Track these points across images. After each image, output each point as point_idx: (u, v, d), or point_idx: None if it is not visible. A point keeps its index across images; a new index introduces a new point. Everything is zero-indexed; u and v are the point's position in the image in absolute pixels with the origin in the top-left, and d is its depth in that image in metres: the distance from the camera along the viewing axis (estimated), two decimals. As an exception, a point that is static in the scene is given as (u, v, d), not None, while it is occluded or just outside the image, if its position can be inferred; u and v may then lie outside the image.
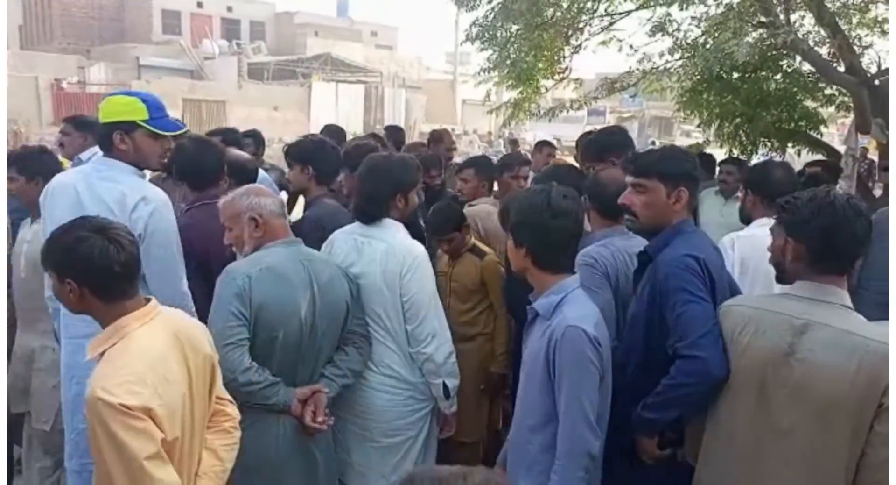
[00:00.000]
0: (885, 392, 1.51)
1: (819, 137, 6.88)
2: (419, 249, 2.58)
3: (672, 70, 6.30)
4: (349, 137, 6.32)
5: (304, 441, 2.31)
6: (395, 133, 6.30)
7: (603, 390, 1.88)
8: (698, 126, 7.48)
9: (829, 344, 1.58)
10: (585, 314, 1.88)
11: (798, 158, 7.34)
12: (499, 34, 6.53)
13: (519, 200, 2.04)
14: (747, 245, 2.64)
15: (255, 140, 5.29)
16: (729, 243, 2.71)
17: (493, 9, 6.45)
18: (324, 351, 2.39)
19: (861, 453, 1.55)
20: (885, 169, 6.13)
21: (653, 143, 21.43)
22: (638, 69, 6.30)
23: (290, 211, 4.38)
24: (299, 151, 3.28)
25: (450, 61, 37.46)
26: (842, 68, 6.10)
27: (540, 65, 7.21)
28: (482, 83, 7.99)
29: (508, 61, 6.85)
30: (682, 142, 21.15)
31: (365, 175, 2.60)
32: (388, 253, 2.48)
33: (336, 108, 25.52)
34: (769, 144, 6.70)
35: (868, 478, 1.55)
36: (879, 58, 6.40)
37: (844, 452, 1.55)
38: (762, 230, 2.50)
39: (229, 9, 35.14)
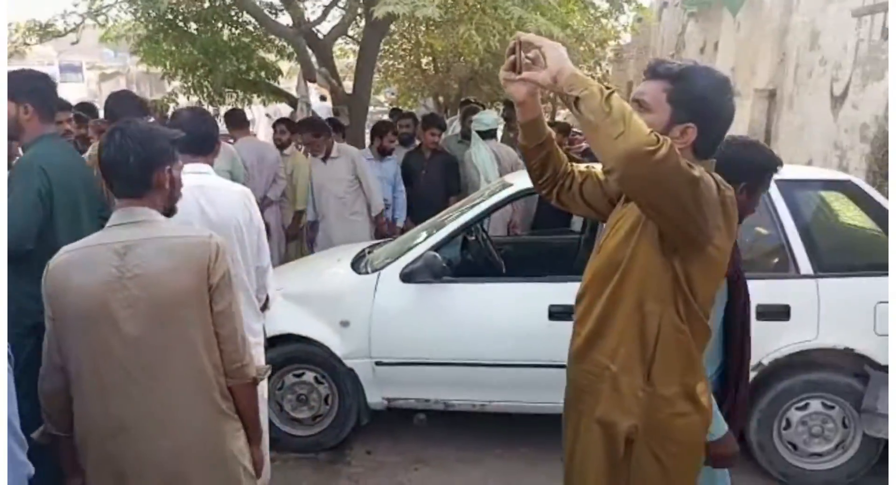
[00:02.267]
0: (210, 275, 1.72)
1: (277, 85, 7.41)
2: None
3: (110, 14, 5.82)
4: None
5: None
6: None
7: None
8: (162, 78, 7.23)
9: (152, 254, 1.72)
10: None
11: None
12: None
13: None
14: None
15: None
16: None
17: None
18: None
19: (215, 333, 1.75)
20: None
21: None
22: (74, 12, 5.63)
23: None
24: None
25: None
26: (288, 20, 6.62)
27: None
28: None
29: None
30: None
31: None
32: None
33: None
34: (235, 94, 6.92)
35: (225, 349, 1.76)
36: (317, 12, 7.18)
37: (199, 335, 1.72)
38: None
39: None
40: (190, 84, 6.68)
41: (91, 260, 1.70)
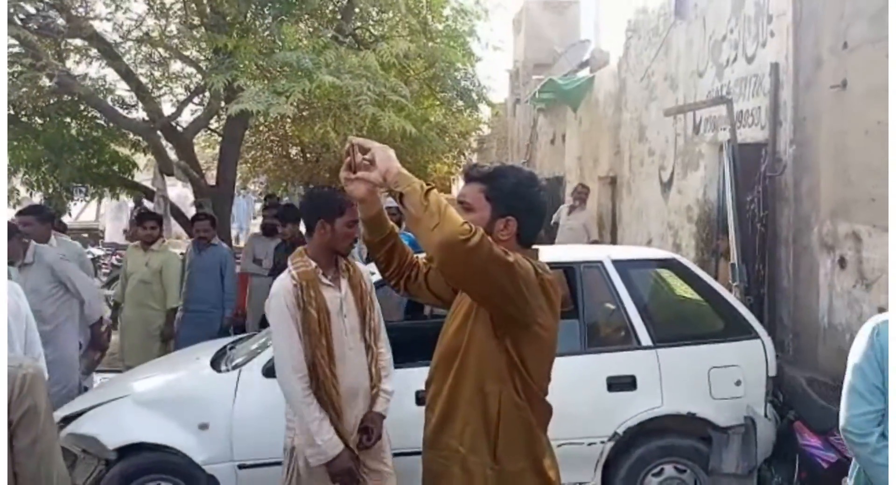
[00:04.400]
0: (10, 410, 1.60)
1: (131, 178, 7.16)
2: None
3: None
4: None
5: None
6: None
7: None
8: (1, 174, 6.77)
9: None
10: None
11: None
12: None
13: None
14: None
15: None
16: None
17: None
18: None
19: (15, 473, 1.62)
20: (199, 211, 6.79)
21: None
22: None
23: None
24: None
25: None
26: (141, 114, 6.53)
27: None
28: None
29: None
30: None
31: None
32: None
33: None
34: (83, 189, 6.62)
35: None
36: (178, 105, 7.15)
37: None
38: None
39: None
40: (35, 180, 6.31)
41: None
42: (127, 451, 3.18)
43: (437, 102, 8.97)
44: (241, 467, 3.21)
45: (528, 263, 1.67)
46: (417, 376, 3.39)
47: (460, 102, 8.66)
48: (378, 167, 1.59)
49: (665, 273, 4.03)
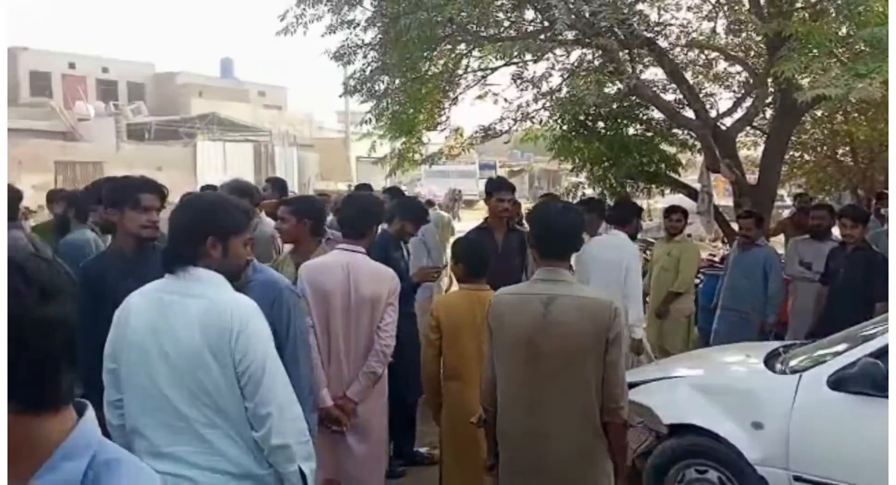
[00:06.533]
0: (607, 330, 2.20)
1: (677, 177, 7.47)
2: (251, 304, 1.95)
3: (537, 117, 6.70)
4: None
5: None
6: (277, 183, 6.19)
7: None
8: (571, 171, 7.94)
9: (570, 307, 2.24)
10: None
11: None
12: (376, 87, 6.71)
13: None
14: None
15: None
16: None
17: (368, 63, 6.64)
18: None
19: (603, 377, 2.23)
20: (741, 209, 6.66)
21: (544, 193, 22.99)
22: (509, 118, 6.65)
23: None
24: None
25: (342, 120, 37.78)
26: (690, 114, 6.72)
27: (421, 116, 7.46)
28: (366, 136, 8.12)
29: (388, 112, 7.04)
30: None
31: (174, 213, 2.10)
32: (208, 311, 1.88)
33: (224, 167, 24.82)
34: (635, 185, 7.22)
35: (607, 391, 2.23)
36: (717, 105, 7.20)
37: (592, 376, 2.23)
38: None
39: (105, 70, 33.65)
40: (594, 176, 7.23)
41: (524, 304, 2.30)
42: (678, 429, 3.31)
43: None
44: (796, 478, 2.98)
45: None
46: None
47: None
48: None
49: None
